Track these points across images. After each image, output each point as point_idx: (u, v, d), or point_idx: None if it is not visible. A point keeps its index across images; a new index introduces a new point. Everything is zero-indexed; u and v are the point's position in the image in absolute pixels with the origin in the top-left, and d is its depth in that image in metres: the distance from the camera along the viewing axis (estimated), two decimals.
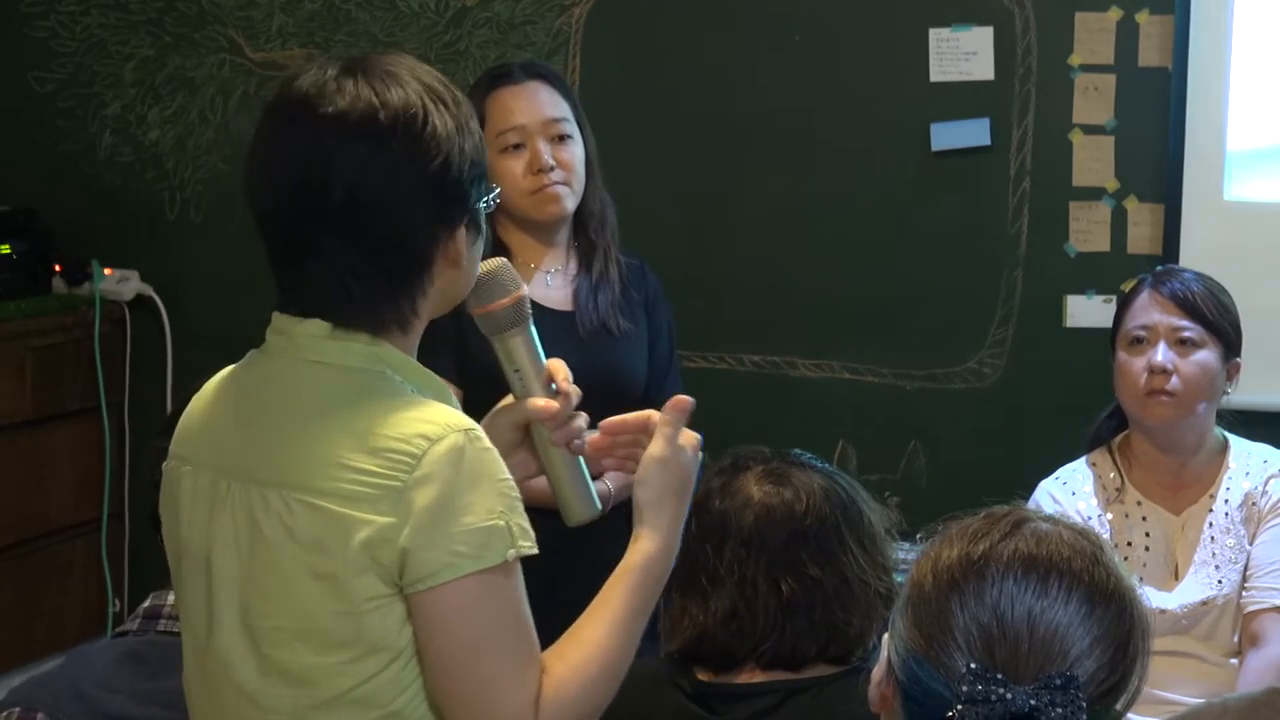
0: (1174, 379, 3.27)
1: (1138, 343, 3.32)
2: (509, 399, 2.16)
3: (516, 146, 3.21)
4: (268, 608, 1.90)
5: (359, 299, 1.93)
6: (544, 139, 3.21)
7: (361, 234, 1.92)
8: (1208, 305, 3.31)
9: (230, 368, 2.05)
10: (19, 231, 4.62)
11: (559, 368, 2.15)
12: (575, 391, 2.13)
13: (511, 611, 1.90)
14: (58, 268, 4.68)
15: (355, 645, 1.89)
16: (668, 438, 2.08)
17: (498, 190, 2.08)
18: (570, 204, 3.24)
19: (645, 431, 2.11)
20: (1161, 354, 3.28)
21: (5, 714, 2.41)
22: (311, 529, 1.87)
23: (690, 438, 2.11)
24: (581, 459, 2.15)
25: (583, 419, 2.14)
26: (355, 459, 1.87)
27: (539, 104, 3.24)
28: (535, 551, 1.91)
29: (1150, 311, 3.33)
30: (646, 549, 2.05)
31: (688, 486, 2.10)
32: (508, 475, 1.92)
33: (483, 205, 2.01)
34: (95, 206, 4.77)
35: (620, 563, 2.06)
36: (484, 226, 2.03)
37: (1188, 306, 3.30)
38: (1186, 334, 3.29)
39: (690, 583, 2.33)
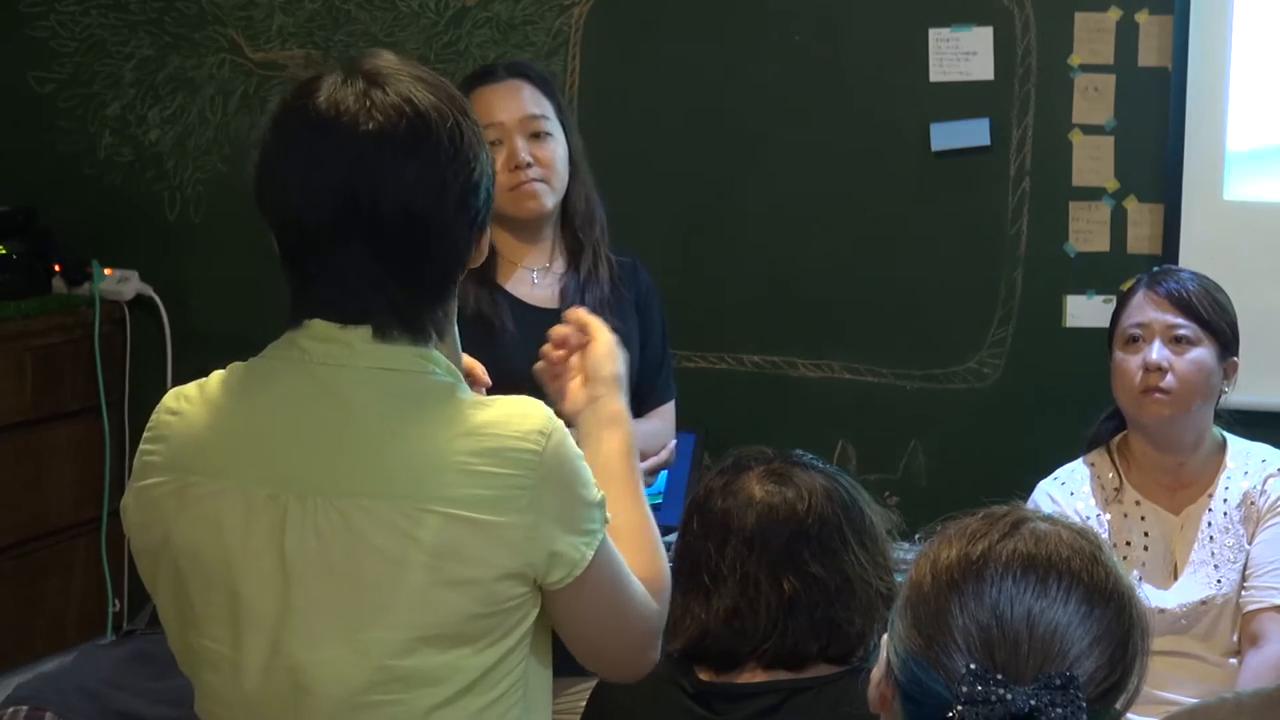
0: (1169, 377, 3.27)
1: (1133, 341, 3.33)
2: None
3: (495, 143, 3.22)
4: (384, 619, 1.88)
5: (404, 311, 1.93)
6: (522, 136, 3.22)
7: (409, 251, 1.91)
8: (1203, 303, 3.31)
9: (232, 376, 1.99)
10: (19, 231, 4.62)
11: (475, 364, 2.21)
12: (488, 386, 2.22)
13: (618, 553, 1.99)
14: (58, 268, 4.68)
15: (485, 638, 1.90)
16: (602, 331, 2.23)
17: None
18: (549, 201, 3.24)
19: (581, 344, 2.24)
20: (1156, 352, 3.28)
21: (13, 710, 2.41)
22: (445, 538, 1.86)
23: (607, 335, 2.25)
24: None
25: None
26: (477, 463, 1.88)
27: (519, 101, 3.25)
28: None
29: (1145, 310, 3.33)
30: (628, 429, 2.16)
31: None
32: None
33: None
34: (95, 206, 4.78)
35: (615, 442, 2.14)
36: None
37: (1182, 305, 3.31)
38: (1181, 332, 3.30)
39: (692, 581, 2.33)
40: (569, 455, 1.93)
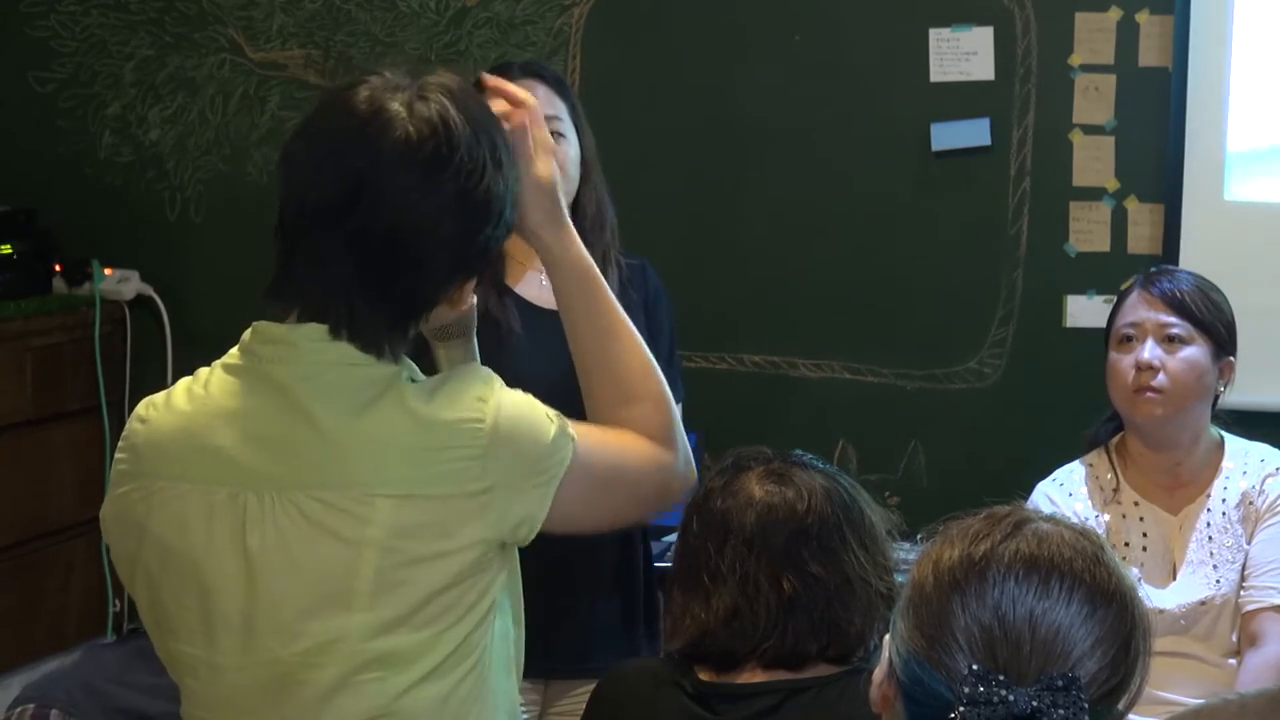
0: (1160, 376, 3.28)
1: (1126, 341, 3.34)
2: None
3: None
4: (353, 604, 1.90)
5: (361, 319, 1.94)
6: None
7: (385, 263, 1.93)
8: (1196, 303, 3.32)
9: (196, 384, 2.01)
10: (19, 231, 4.62)
11: None
12: None
13: (598, 437, 2.05)
14: (58, 268, 4.68)
15: (452, 611, 1.93)
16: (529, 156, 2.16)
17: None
18: None
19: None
20: (1148, 351, 3.29)
21: (19, 710, 2.42)
22: (400, 519, 1.89)
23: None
24: None
25: None
26: (424, 442, 1.90)
27: None
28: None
29: (1138, 310, 3.34)
30: (581, 249, 2.18)
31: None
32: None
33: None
34: (95, 206, 4.77)
35: (580, 272, 2.17)
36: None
37: (1175, 304, 3.31)
38: (1173, 331, 3.30)
39: (692, 581, 2.33)
40: (513, 412, 1.96)
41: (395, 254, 1.93)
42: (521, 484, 1.95)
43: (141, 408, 2.03)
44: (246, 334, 2.00)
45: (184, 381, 2.03)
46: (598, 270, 2.19)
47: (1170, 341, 3.30)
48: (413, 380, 1.98)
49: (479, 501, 1.91)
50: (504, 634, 2.03)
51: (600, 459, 2.05)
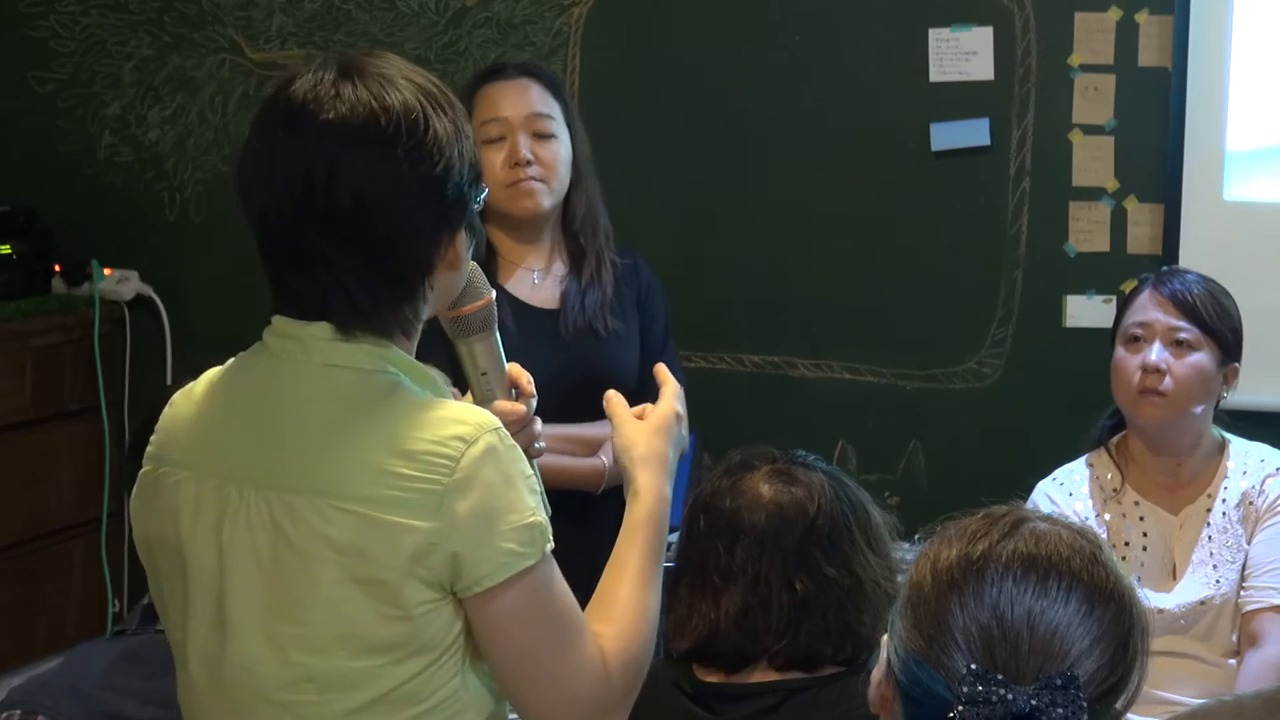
0: (1166, 379, 3.27)
1: (1135, 340, 3.33)
2: (468, 398, 2.18)
3: (498, 139, 3.22)
4: (299, 614, 1.89)
5: (363, 306, 1.93)
6: (525, 134, 3.22)
7: (366, 241, 1.92)
8: (1207, 308, 3.31)
9: (217, 371, 2.04)
10: (19, 231, 4.62)
11: (521, 372, 2.18)
12: (534, 396, 2.17)
13: (565, 597, 1.94)
14: (58, 268, 4.69)
15: (402, 647, 1.89)
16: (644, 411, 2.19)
17: (485, 190, 2.09)
18: (546, 201, 3.24)
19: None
20: (1156, 353, 3.29)
21: (6, 715, 2.41)
22: (352, 536, 1.87)
23: (665, 408, 2.20)
24: (535, 463, 2.16)
25: (539, 424, 2.17)
26: (392, 464, 1.87)
27: (526, 99, 3.25)
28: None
29: (1149, 310, 3.33)
30: (647, 502, 2.10)
31: (670, 442, 2.17)
32: (532, 470, 1.95)
33: (477, 205, 2.02)
34: (95, 206, 4.78)
35: (625, 520, 2.09)
36: (479, 226, 2.04)
37: (1186, 308, 3.31)
38: (1182, 335, 3.30)
39: (701, 581, 2.33)
40: (494, 467, 1.89)
41: (371, 229, 1.92)
42: (474, 537, 1.87)
43: (177, 393, 2.05)
44: (267, 327, 2.00)
45: (212, 370, 2.05)
46: (663, 520, 2.11)
47: (1178, 345, 3.29)
48: (423, 390, 1.95)
49: (423, 536, 1.86)
50: (493, 698, 1.97)
51: (563, 604, 1.93)
